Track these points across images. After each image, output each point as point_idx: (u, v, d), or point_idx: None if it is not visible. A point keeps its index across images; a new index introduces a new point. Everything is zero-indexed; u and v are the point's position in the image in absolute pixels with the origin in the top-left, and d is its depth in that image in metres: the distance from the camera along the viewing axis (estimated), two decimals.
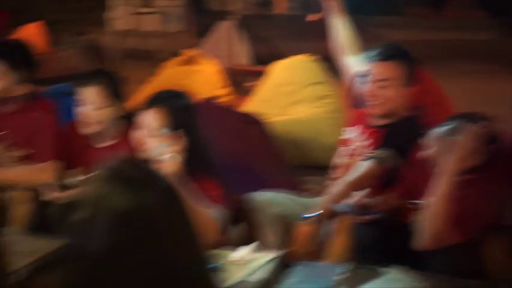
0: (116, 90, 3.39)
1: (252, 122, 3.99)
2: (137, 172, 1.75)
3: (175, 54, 7.22)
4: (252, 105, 5.86)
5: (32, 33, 9.24)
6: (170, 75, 6.32)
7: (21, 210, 3.37)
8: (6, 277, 1.99)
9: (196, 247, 1.82)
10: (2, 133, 3.58)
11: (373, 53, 3.33)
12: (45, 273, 1.87)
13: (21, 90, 3.56)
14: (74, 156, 3.53)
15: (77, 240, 1.73)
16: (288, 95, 5.84)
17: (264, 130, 3.97)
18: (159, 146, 2.97)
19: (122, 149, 3.41)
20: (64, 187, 3.14)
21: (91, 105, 3.35)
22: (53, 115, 3.61)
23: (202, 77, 6.33)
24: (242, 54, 9.12)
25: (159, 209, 1.70)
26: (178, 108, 3.05)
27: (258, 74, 7.35)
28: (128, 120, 3.48)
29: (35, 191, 3.41)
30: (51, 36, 9.72)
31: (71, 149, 3.55)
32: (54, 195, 3.11)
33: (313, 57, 6.16)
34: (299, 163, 4.92)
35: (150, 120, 3.02)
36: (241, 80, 6.97)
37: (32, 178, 3.44)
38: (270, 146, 3.96)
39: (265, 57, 8.80)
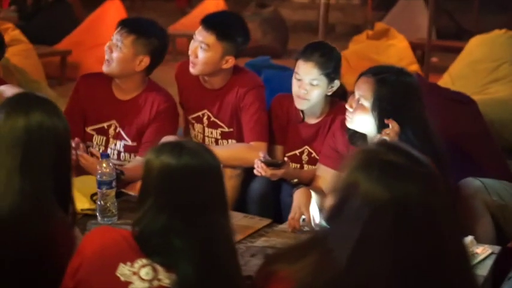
0: (333, 66, 3.22)
1: (464, 102, 3.73)
2: (396, 156, 1.60)
3: (354, 27, 7.07)
4: (446, 82, 5.58)
5: (212, 7, 9.37)
6: (361, 50, 6.15)
7: (229, 185, 3.31)
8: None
9: (460, 237, 1.67)
10: (203, 111, 3.51)
11: None
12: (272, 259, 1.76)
13: (228, 63, 3.38)
14: (279, 132, 3.44)
15: (335, 228, 1.61)
16: (486, 72, 5.52)
17: (476, 110, 3.70)
18: (372, 121, 2.84)
19: (327, 126, 3.30)
20: (272, 165, 3.02)
21: (309, 80, 3.19)
22: (261, 90, 3.46)
23: (396, 51, 6.12)
24: (426, 28, 8.76)
25: (419, 198, 1.55)
26: (395, 84, 2.86)
27: (444, 49, 7.04)
28: (337, 96, 3.35)
29: (242, 168, 3.34)
30: (233, 9, 9.81)
31: (278, 125, 3.44)
32: (266, 172, 2.99)
33: (510, 33, 5.79)
34: None
35: (364, 94, 2.86)
36: (426, 55, 6.66)
37: (242, 157, 3.32)
38: (484, 128, 3.69)
39: (450, 31, 8.42)
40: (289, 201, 2.96)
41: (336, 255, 1.57)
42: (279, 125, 3.43)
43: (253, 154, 3.17)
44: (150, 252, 1.85)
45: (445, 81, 5.71)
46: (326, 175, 3.09)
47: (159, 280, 1.84)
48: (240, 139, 3.46)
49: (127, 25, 3.34)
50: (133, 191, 3.18)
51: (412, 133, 2.82)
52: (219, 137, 3.50)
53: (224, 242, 1.92)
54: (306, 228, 2.84)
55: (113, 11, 8.02)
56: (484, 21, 8.48)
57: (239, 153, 3.35)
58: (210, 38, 3.31)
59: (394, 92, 2.85)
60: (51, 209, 2.00)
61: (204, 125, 3.52)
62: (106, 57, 3.34)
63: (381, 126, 2.83)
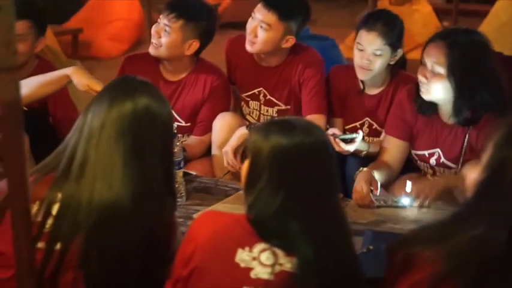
0: (396, 34, 3.12)
1: None
2: None
3: None
4: None
5: None
6: None
7: None
8: None
9: None
10: (259, 89, 3.41)
11: None
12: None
13: (289, 43, 3.26)
14: (338, 105, 3.35)
15: (486, 207, 1.54)
16: None
17: None
18: (449, 87, 2.78)
19: (390, 96, 3.22)
20: (346, 140, 2.92)
21: (372, 51, 3.09)
22: (321, 64, 3.35)
23: (420, 17, 6.01)
24: None
25: None
26: (467, 44, 2.80)
27: (469, 13, 6.94)
28: (397, 65, 3.25)
29: None
30: None
31: (336, 97, 3.35)
32: (343, 148, 2.89)
33: None
34: None
35: (437, 60, 2.79)
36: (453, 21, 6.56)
37: None
38: None
39: None
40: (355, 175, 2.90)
41: (492, 235, 1.49)
42: (337, 97, 3.35)
43: None
44: (268, 236, 1.78)
45: None
46: (393, 147, 3.02)
47: (280, 265, 1.77)
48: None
49: (175, 9, 3.22)
50: (194, 169, 3.12)
51: (489, 94, 2.78)
52: (275, 115, 3.41)
53: (339, 222, 1.84)
54: (381, 203, 2.77)
55: None
56: None
57: None
58: (272, 18, 3.20)
59: (467, 53, 2.79)
60: (163, 196, 1.92)
61: (261, 102, 3.42)
62: (153, 40, 3.23)
63: (459, 90, 2.78)
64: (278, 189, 1.77)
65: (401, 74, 3.26)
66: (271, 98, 3.39)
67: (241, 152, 3.14)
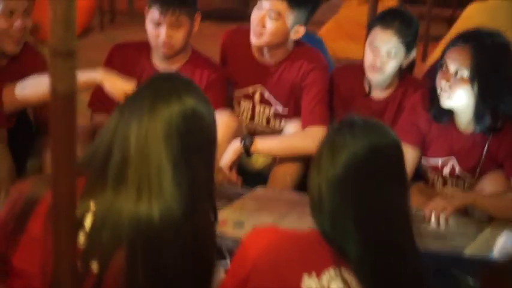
0: (413, 34, 2.95)
1: None
2: None
3: None
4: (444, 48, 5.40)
5: None
6: (356, 15, 5.87)
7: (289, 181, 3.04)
8: None
9: None
10: (255, 86, 3.16)
11: None
12: None
13: (298, 33, 3.05)
14: (341, 108, 3.14)
15: None
16: None
17: None
18: (471, 93, 2.64)
19: (397, 100, 3.05)
20: None
21: (386, 50, 2.90)
22: (326, 70, 3.13)
23: None
24: None
25: None
26: (492, 48, 2.67)
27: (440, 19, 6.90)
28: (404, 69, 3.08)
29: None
30: None
31: (340, 100, 3.14)
32: None
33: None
34: None
35: (462, 63, 2.64)
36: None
37: (298, 146, 2.99)
38: None
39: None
40: None
41: None
42: (341, 100, 3.14)
43: (310, 142, 2.86)
44: (344, 255, 1.57)
45: (441, 48, 5.52)
46: (406, 153, 2.84)
47: None
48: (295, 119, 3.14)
49: None
50: None
51: None
52: (271, 116, 3.18)
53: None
54: None
55: None
56: None
57: (295, 143, 3.01)
58: (281, 5, 2.95)
59: (493, 56, 2.67)
60: (207, 206, 1.69)
61: (255, 101, 3.18)
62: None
63: (482, 95, 2.64)
64: (353, 200, 1.58)
65: (409, 78, 3.10)
66: (270, 96, 3.16)
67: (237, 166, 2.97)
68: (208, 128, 1.70)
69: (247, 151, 2.95)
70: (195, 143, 1.64)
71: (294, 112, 3.14)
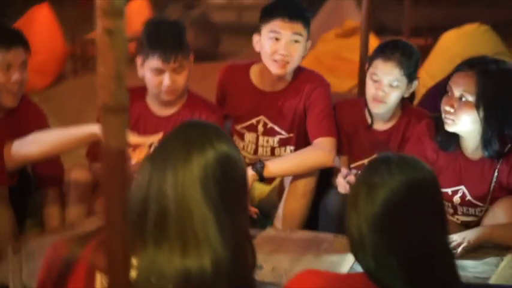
0: (414, 65, 2.96)
1: None
2: None
3: None
4: (424, 79, 5.44)
5: (136, 7, 8.95)
6: (333, 49, 5.93)
7: (302, 204, 3.01)
8: None
9: None
10: (258, 118, 3.16)
11: None
12: None
13: (308, 45, 3.08)
14: (344, 141, 3.14)
15: None
16: None
17: None
18: (477, 118, 2.65)
19: (401, 131, 3.05)
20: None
21: (388, 82, 2.91)
22: (328, 88, 3.14)
23: (372, 49, 5.92)
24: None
25: None
26: (498, 74, 2.66)
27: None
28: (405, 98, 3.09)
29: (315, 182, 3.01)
30: (157, 11, 9.39)
31: (342, 134, 3.14)
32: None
33: (484, 26, 5.76)
34: None
35: (467, 89, 2.64)
36: None
37: (311, 161, 2.96)
38: None
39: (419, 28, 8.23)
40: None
41: None
42: (344, 134, 3.14)
43: (321, 153, 2.91)
44: None
45: (422, 77, 5.58)
46: None
47: None
48: (298, 146, 3.13)
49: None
50: None
51: None
52: (276, 145, 3.16)
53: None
54: None
55: (42, 17, 7.45)
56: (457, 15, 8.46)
57: (306, 157, 2.98)
58: (300, 26, 2.99)
59: (498, 81, 2.66)
60: (248, 250, 1.64)
61: (259, 133, 3.17)
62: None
63: (489, 120, 2.64)
64: (399, 236, 1.56)
65: (412, 108, 3.11)
66: (273, 126, 3.15)
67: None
68: (241, 171, 1.66)
69: (260, 176, 2.91)
70: (231, 187, 1.60)
71: (299, 137, 3.14)
